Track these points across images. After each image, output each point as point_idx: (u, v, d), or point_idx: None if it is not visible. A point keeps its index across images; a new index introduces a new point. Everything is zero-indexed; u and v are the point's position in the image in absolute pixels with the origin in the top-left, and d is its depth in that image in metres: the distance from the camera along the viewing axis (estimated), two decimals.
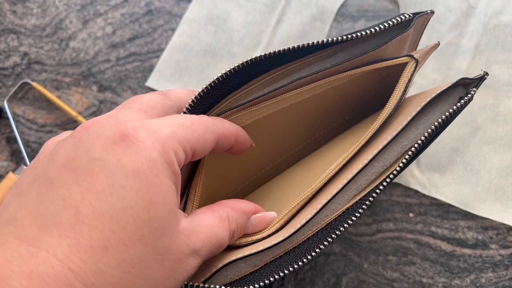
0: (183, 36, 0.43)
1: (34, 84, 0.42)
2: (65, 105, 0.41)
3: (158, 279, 0.19)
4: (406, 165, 0.22)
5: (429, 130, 0.22)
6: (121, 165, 0.18)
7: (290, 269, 0.22)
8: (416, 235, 0.36)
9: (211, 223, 0.21)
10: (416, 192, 0.36)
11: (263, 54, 0.23)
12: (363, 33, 0.24)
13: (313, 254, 0.22)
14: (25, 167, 0.38)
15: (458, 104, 0.22)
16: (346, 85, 0.27)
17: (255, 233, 0.24)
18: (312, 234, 0.23)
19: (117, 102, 0.42)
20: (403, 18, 0.24)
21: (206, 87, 0.23)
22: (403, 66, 0.24)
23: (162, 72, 0.42)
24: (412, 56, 0.24)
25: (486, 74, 0.23)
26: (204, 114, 0.24)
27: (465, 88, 0.24)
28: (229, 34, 0.43)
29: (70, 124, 0.41)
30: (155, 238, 0.18)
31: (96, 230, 0.17)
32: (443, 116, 0.22)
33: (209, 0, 0.44)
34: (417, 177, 0.37)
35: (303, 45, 0.23)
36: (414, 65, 0.24)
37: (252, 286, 0.22)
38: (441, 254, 0.35)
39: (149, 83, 0.42)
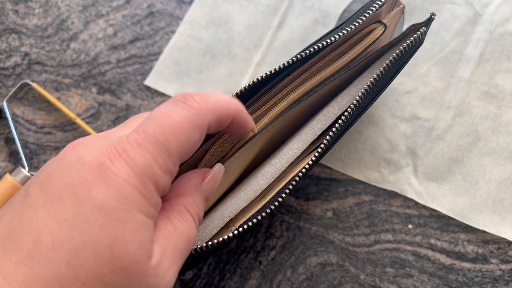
0: (184, 35, 0.43)
1: (34, 85, 0.42)
2: (64, 107, 0.41)
3: None
4: (364, 97, 0.26)
5: (381, 68, 0.26)
6: (90, 196, 0.17)
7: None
8: (415, 247, 0.35)
9: (171, 229, 0.20)
10: (416, 203, 0.36)
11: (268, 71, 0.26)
12: (351, 27, 0.27)
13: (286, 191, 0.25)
14: (23, 169, 0.38)
15: (408, 41, 0.26)
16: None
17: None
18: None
19: (116, 104, 0.41)
20: (379, 3, 0.28)
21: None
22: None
23: (161, 71, 0.42)
24: (380, 22, 0.29)
25: (433, 14, 0.28)
26: None
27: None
28: (230, 35, 0.43)
29: (69, 126, 0.41)
30: (119, 279, 0.17)
31: (53, 263, 0.16)
32: (394, 54, 0.26)
33: (212, 0, 0.44)
34: (414, 186, 0.36)
35: (301, 54, 0.26)
36: (383, 29, 0.29)
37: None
38: (440, 267, 0.34)
39: (148, 82, 0.42)
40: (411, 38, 0.26)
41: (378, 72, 0.26)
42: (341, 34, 0.27)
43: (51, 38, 0.44)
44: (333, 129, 0.26)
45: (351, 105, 0.26)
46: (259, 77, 0.25)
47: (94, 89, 0.42)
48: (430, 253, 0.35)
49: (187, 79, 0.42)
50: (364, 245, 0.35)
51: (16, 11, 0.45)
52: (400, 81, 0.39)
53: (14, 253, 0.16)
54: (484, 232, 0.35)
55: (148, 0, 0.45)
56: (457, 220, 0.35)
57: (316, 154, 0.25)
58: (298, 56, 0.26)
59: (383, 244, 0.35)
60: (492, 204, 0.35)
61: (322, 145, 0.25)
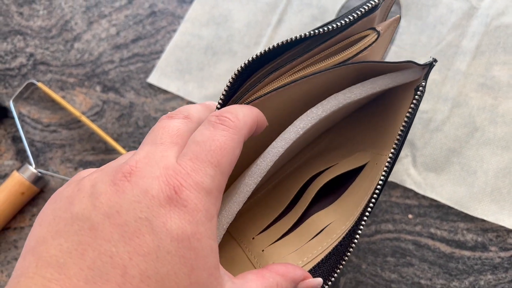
0: (185, 34, 0.44)
1: (39, 84, 0.42)
2: (69, 105, 0.42)
3: None
4: None
5: (397, 137, 0.26)
6: (166, 229, 0.18)
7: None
8: (415, 237, 0.36)
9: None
10: (415, 193, 0.36)
11: (266, 48, 0.25)
12: (342, 21, 0.26)
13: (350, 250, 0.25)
14: (30, 166, 0.39)
15: (412, 105, 0.26)
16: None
17: None
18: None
19: (120, 102, 0.42)
20: (373, 3, 0.27)
21: (229, 81, 0.25)
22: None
23: (163, 69, 0.43)
24: (374, 29, 0.28)
25: (435, 61, 0.27)
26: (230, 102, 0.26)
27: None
28: (230, 32, 0.44)
29: (74, 124, 0.42)
30: None
31: None
32: (403, 122, 0.26)
33: None
34: (412, 177, 0.37)
35: (291, 39, 0.25)
36: (376, 36, 0.28)
37: None
38: (440, 255, 0.35)
39: (150, 79, 0.43)
40: (414, 101, 0.26)
41: (395, 139, 0.26)
42: (334, 26, 0.26)
43: (55, 38, 0.45)
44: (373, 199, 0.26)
45: (387, 163, 0.26)
46: (243, 64, 0.26)
47: (98, 88, 0.43)
48: (430, 242, 0.35)
49: (189, 76, 0.42)
50: (365, 235, 0.36)
51: (21, 13, 0.46)
52: None
53: (103, 285, 0.17)
54: (483, 220, 0.35)
55: (149, 0, 0.45)
56: (456, 210, 0.36)
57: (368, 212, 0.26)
58: (279, 44, 0.26)
59: (384, 234, 0.36)
60: (490, 193, 0.35)
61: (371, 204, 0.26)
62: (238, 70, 0.25)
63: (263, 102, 0.27)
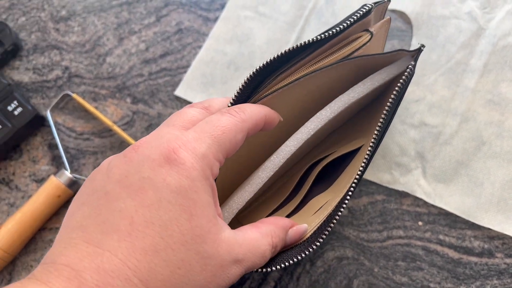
0: (210, 50, 0.47)
1: (74, 95, 0.46)
2: (101, 115, 0.45)
3: (200, 281, 0.22)
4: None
5: (384, 110, 0.29)
6: (166, 184, 0.21)
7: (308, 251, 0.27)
8: (425, 243, 0.38)
9: (254, 237, 0.24)
10: (425, 202, 0.39)
11: (279, 53, 0.29)
12: (341, 27, 0.29)
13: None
14: (65, 171, 0.42)
15: (401, 80, 0.28)
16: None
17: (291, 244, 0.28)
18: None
19: (149, 113, 0.45)
20: (366, 8, 0.30)
21: (245, 81, 0.28)
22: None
23: (189, 83, 0.46)
24: (368, 30, 0.31)
25: (423, 46, 0.30)
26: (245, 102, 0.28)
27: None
28: (252, 49, 0.47)
29: (106, 132, 0.45)
30: (197, 244, 0.21)
31: (148, 236, 0.20)
32: (392, 95, 0.28)
33: (235, 18, 0.48)
34: (423, 187, 0.39)
35: (299, 44, 0.28)
36: (369, 36, 0.31)
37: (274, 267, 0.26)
38: (448, 261, 0.37)
39: (177, 92, 0.46)
40: (403, 77, 0.29)
41: (384, 111, 0.29)
42: (330, 33, 0.29)
43: (89, 53, 0.48)
44: (360, 170, 0.29)
45: (374, 135, 0.29)
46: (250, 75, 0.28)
47: (128, 99, 0.46)
48: (439, 248, 0.38)
49: (213, 90, 0.46)
50: (377, 241, 0.38)
51: (57, 29, 0.50)
52: (409, 91, 0.42)
53: (115, 233, 0.20)
54: (490, 229, 0.37)
55: (176, 18, 0.49)
56: (464, 218, 0.38)
57: (353, 185, 0.29)
58: (287, 50, 0.28)
59: (395, 240, 0.38)
60: (496, 203, 0.38)
61: (355, 181, 0.29)
62: (250, 75, 0.28)
63: (271, 100, 0.29)
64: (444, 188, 0.39)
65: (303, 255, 0.27)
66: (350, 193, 0.28)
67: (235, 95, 0.28)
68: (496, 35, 0.42)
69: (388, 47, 0.44)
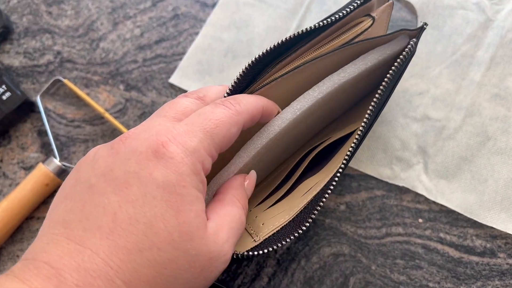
0: (207, 37, 0.45)
1: (66, 81, 0.44)
2: (93, 102, 0.43)
3: (188, 278, 0.21)
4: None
5: (381, 87, 0.28)
6: (152, 178, 0.20)
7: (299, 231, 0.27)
8: (425, 240, 0.36)
9: (226, 211, 0.24)
10: (426, 199, 0.37)
11: (279, 41, 0.28)
12: (344, 12, 0.28)
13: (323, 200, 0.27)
14: (54, 159, 0.41)
15: (401, 56, 0.27)
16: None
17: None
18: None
19: (142, 101, 0.44)
20: None
21: (243, 71, 0.27)
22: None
23: (184, 70, 0.44)
24: (369, 15, 0.30)
25: (426, 24, 0.29)
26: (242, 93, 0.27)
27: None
28: (250, 36, 0.45)
29: (97, 120, 0.44)
30: (185, 242, 0.20)
31: (132, 234, 0.19)
32: (390, 71, 0.27)
33: (233, 4, 0.46)
34: (424, 183, 0.37)
35: (301, 31, 0.27)
36: (371, 21, 0.30)
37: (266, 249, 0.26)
38: (449, 260, 0.36)
39: (172, 80, 0.44)
40: (403, 53, 0.27)
41: (381, 86, 0.27)
42: (331, 19, 0.28)
43: (82, 38, 0.47)
44: (352, 145, 0.28)
45: (367, 115, 0.28)
46: (248, 64, 0.27)
47: (121, 86, 0.45)
48: (439, 246, 0.36)
49: (209, 78, 0.44)
50: (375, 238, 0.37)
51: (50, 13, 0.48)
52: (412, 83, 0.40)
53: (97, 231, 0.19)
54: (492, 227, 0.36)
55: (173, 3, 0.47)
56: (466, 216, 0.36)
57: (342, 165, 0.28)
58: (287, 38, 0.27)
59: (394, 237, 0.37)
60: (500, 201, 0.36)
61: (346, 157, 0.28)
62: (249, 64, 0.27)
63: (269, 89, 0.28)
64: (446, 184, 0.37)
65: (292, 237, 0.26)
66: (338, 174, 0.28)
67: (232, 85, 0.27)
68: (504, 27, 0.40)
69: None
